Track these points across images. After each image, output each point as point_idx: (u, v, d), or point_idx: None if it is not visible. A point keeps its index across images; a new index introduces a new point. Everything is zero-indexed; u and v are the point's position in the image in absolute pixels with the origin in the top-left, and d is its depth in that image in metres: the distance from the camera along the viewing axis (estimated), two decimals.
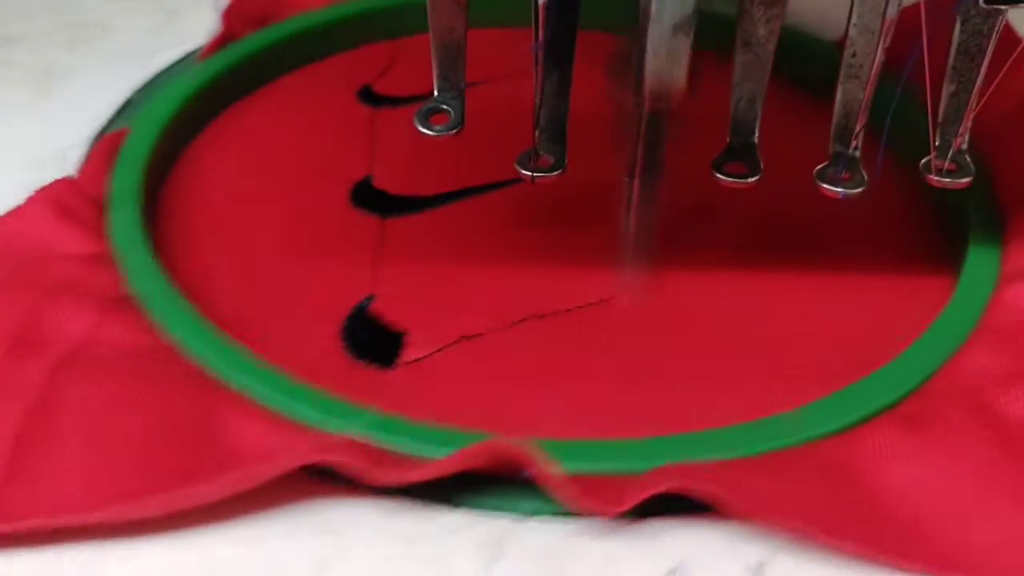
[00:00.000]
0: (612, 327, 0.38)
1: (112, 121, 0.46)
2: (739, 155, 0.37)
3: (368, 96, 0.49)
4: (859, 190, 0.36)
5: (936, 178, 0.36)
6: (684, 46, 0.33)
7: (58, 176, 0.42)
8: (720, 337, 0.37)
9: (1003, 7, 0.32)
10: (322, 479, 0.31)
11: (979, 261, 0.38)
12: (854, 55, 0.35)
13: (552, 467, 0.29)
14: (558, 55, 0.35)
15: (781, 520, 0.29)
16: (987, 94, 0.35)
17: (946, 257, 0.40)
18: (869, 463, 0.31)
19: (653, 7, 0.32)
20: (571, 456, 0.31)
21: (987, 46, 0.34)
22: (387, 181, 0.44)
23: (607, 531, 0.30)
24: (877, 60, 0.34)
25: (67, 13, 0.53)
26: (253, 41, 0.49)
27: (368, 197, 0.44)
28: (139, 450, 0.30)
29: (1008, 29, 0.42)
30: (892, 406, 0.33)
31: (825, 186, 0.36)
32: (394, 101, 0.49)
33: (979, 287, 0.37)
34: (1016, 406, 0.33)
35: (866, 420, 0.32)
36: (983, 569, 0.29)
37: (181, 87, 0.46)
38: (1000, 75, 0.39)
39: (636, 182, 0.37)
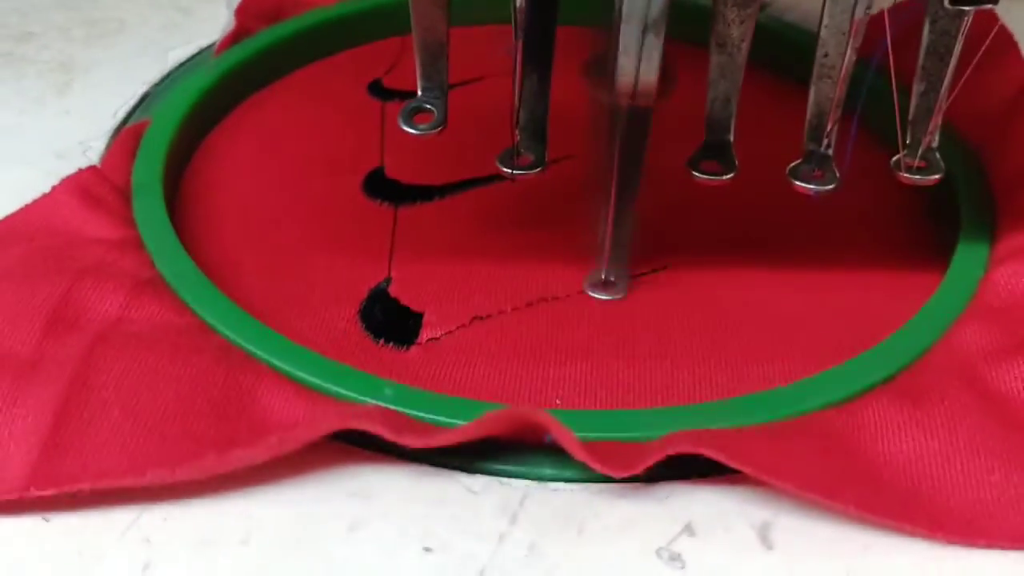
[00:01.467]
0: (620, 309, 0.39)
1: (131, 114, 0.48)
2: (715, 153, 0.38)
3: (378, 90, 0.51)
4: (831, 187, 0.36)
5: (907, 175, 0.37)
6: (655, 45, 0.34)
7: (82, 166, 0.43)
8: (724, 318, 0.39)
9: (967, 8, 0.33)
10: (351, 446, 0.32)
11: (970, 245, 0.40)
12: (826, 55, 0.35)
13: (571, 432, 0.31)
14: (537, 55, 0.36)
15: (785, 482, 0.31)
16: (956, 91, 0.36)
17: (938, 243, 0.42)
18: (868, 432, 0.33)
19: (624, 7, 0.33)
20: (584, 425, 0.33)
21: (955, 46, 0.35)
22: (398, 171, 0.46)
23: (621, 494, 0.32)
24: (847, 60, 0.35)
25: (83, 10, 0.55)
26: (266, 36, 0.51)
27: (381, 186, 0.46)
28: (177, 418, 0.32)
29: (1002, 27, 0.45)
30: (889, 379, 0.35)
31: (798, 183, 0.37)
32: (403, 95, 0.51)
33: (970, 269, 0.39)
34: (1006, 379, 0.34)
35: (865, 392, 0.34)
36: (974, 529, 0.31)
37: (199, 81, 0.48)
38: (963, 70, 0.41)
39: (614, 179, 0.38)
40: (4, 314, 0.35)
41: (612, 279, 0.40)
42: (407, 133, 0.37)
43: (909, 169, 0.37)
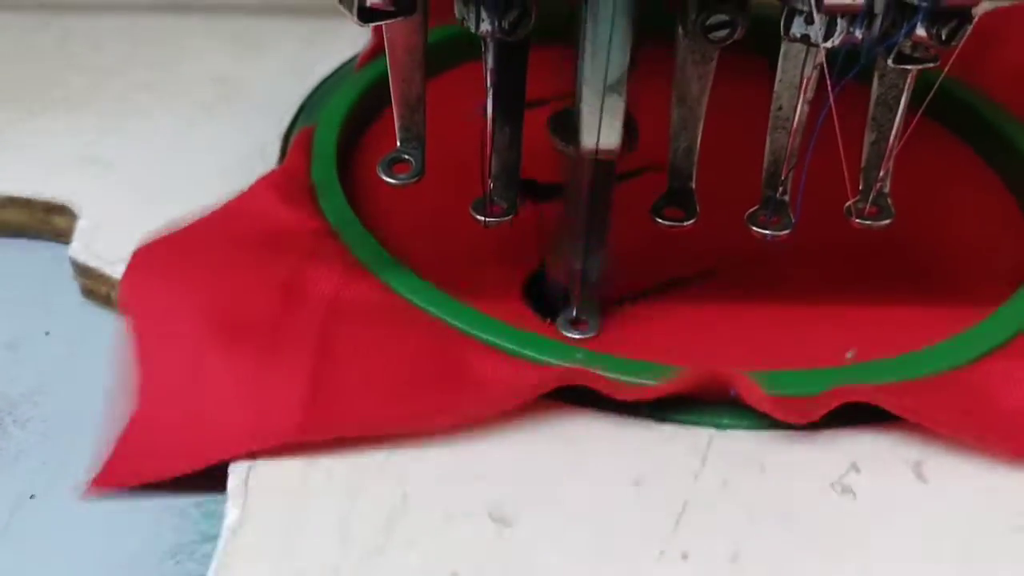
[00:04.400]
0: (781, 280, 0.45)
1: (295, 121, 0.53)
2: (678, 200, 0.40)
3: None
4: (786, 232, 0.39)
5: (858, 221, 0.39)
6: (617, 106, 0.36)
7: (261, 167, 0.48)
8: (853, 296, 0.44)
9: (910, 67, 0.35)
10: (555, 401, 0.38)
11: None
12: (780, 108, 0.37)
13: (758, 386, 0.37)
14: (508, 111, 0.38)
15: (936, 424, 0.36)
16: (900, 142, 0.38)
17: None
18: (996, 386, 0.38)
19: (585, 71, 0.35)
20: (764, 383, 0.38)
21: (902, 98, 0.37)
22: (534, 172, 0.51)
23: (792, 439, 0.37)
24: (799, 112, 0.37)
25: (223, 34, 0.60)
26: None
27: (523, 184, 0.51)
28: (412, 378, 0.38)
29: None
30: (1009, 342, 0.40)
31: (755, 228, 0.39)
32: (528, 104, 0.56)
33: None
34: None
35: (990, 353, 0.40)
36: None
37: (351, 89, 0.53)
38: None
39: (583, 227, 0.40)
40: (244, 289, 0.40)
41: (584, 317, 0.42)
42: (389, 184, 0.40)
43: (860, 215, 0.39)
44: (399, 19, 0.36)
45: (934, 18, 0.34)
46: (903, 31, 0.34)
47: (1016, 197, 0.50)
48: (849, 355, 0.41)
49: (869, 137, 0.39)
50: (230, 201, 0.45)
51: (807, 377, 0.39)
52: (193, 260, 0.41)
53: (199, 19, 0.61)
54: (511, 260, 0.46)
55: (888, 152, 0.38)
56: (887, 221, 0.39)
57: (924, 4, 0.33)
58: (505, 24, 0.35)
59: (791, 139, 0.38)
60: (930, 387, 0.38)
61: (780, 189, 0.39)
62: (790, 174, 0.39)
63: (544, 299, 0.45)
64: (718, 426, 0.38)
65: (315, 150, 0.49)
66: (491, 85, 0.37)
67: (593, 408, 0.38)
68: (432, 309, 0.41)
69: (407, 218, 0.48)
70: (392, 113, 0.54)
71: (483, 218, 0.40)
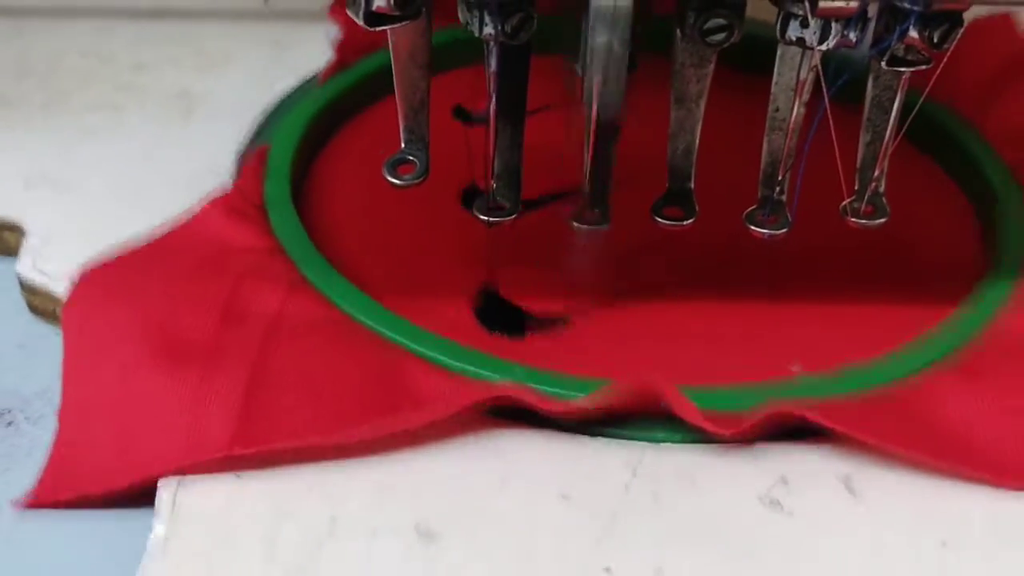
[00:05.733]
0: (704, 298, 0.45)
1: (253, 139, 0.54)
2: (677, 200, 0.41)
3: (461, 113, 0.57)
4: (783, 231, 0.40)
5: (854, 220, 0.40)
6: (616, 101, 0.37)
7: (217, 186, 0.49)
8: (796, 310, 0.45)
9: (903, 69, 0.36)
10: (490, 416, 0.38)
11: (1013, 242, 0.46)
12: (777, 110, 0.38)
13: (688, 399, 0.37)
14: (510, 112, 0.39)
15: (866, 437, 0.36)
16: (896, 139, 0.39)
17: (980, 246, 0.48)
18: (933, 402, 0.39)
19: (588, 75, 0.36)
20: (691, 399, 0.38)
21: (897, 100, 0.38)
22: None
23: (724, 453, 0.38)
24: (796, 114, 0.38)
25: (190, 44, 0.61)
26: (365, 66, 0.57)
27: (474, 199, 0.51)
28: (347, 392, 0.38)
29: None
30: (949, 355, 0.40)
31: (753, 227, 0.40)
32: (481, 119, 0.56)
33: (1015, 258, 0.45)
34: None
35: (928, 368, 0.40)
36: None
37: (309, 107, 0.54)
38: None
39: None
40: (183, 308, 0.40)
41: (596, 210, 0.42)
42: (392, 184, 0.41)
43: (856, 214, 0.40)
44: (405, 23, 0.37)
45: (926, 21, 0.35)
46: (896, 34, 0.35)
47: (975, 207, 0.50)
48: (795, 368, 0.41)
49: (864, 138, 0.40)
50: (178, 221, 0.46)
51: (740, 392, 0.39)
52: (136, 282, 0.42)
53: (164, 31, 0.61)
54: (463, 275, 0.46)
55: (883, 152, 0.39)
56: (882, 220, 0.40)
57: (916, 8, 0.34)
58: (508, 28, 0.36)
59: (788, 140, 0.38)
60: (866, 401, 0.38)
61: (777, 189, 0.39)
62: (787, 174, 0.39)
63: (495, 313, 0.45)
64: (652, 440, 0.38)
65: (269, 168, 0.50)
66: (494, 88, 0.38)
67: (527, 423, 0.38)
68: (373, 324, 0.41)
69: (362, 235, 0.49)
70: (347, 131, 0.55)
71: (486, 217, 0.40)
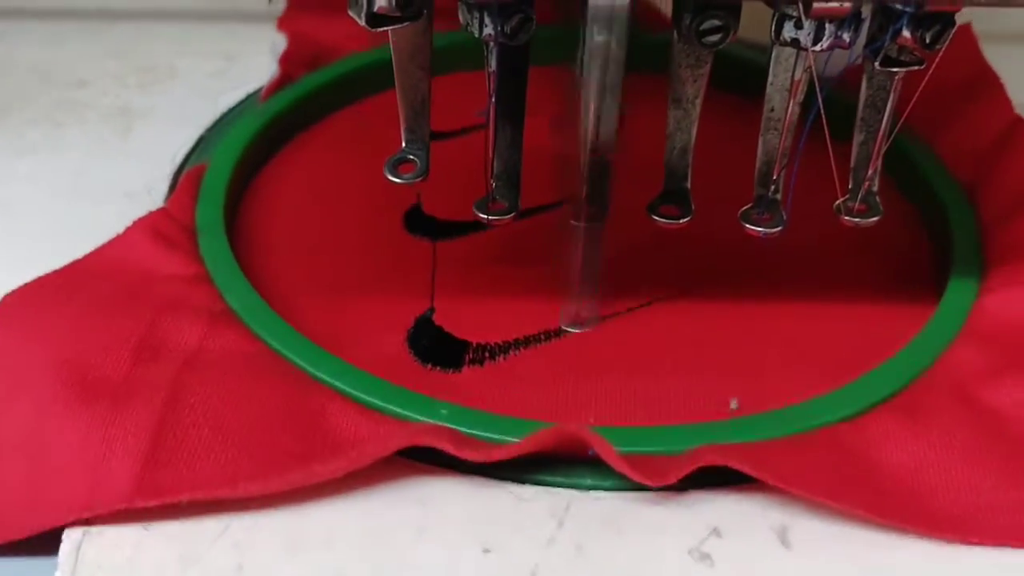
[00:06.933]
0: (640, 333, 0.44)
1: (189, 157, 0.52)
2: (673, 199, 0.41)
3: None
4: (778, 229, 0.40)
5: (848, 218, 0.40)
6: (613, 106, 0.37)
7: (148, 207, 0.47)
8: (738, 343, 0.43)
9: (896, 69, 0.37)
10: (413, 460, 0.37)
11: (963, 275, 0.44)
12: (772, 110, 0.38)
13: (612, 446, 0.35)
14: (509, 113, 0.39)
15: (801, 489, 0.35)
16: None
17: (932, 273, 0.46)
18: (873, 444, 0.37)
19: (585, 74, 0.36)
20: (621, 440, 0.37)
21: (890, 100, 0.38)
22: (435, 207, 0.50)
23: (655, 501, 0.36)
24: (790, 114, 0.38)
25: (136, 59, 0.59)
26: (309, 82, 0.55)
27: (420, 222, 0.50)
28: (261, 435, 0.36)
29: (987, 68, 0.49)
30: (891, 397, 0.39)
31: (748, 226, 0.40)
32: (434, 135, 0.55)
33: (963, 297, 0.43)
34: (997, 396, 0.39)
35: (870, 409, 0.38)
36: (968, 529, 0.35)
37: (249, 125, 0.52)
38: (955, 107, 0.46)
39: (581, 224, 0.41)
40: (96, 344, 0.39)
41: (584, 313, 0.43)
42: (393, 183, 0.41)
43: (850, 212, 0.40)
44: (406, 24, 0.37)
45: (918, 22, 0.35)
46: (888, 35, 0.35)
47: (927, 232, 0.49)
48: (733, 405, 0.40)
49: (858, 137, 0.40)
50: (102, 246, 0.44)
51: (671, 434, 0.37)
52: (51, 312, 0.40)
53: (107, 47, 0.60)
54: (401, 304, 0.45)
55: (876, 151, 0.39)
56: (876, 218, 0.40)
57: (908, 9, 0.35)
58: (507, 29, 0.36)
59: (782, 139, 0.38)
60: (800, 445, 0.37)
61: (772, 188, 0.39)
62: (782, 173, 0.39)
63: (431, 345, 0.43)
64: (579, 487, 0.37)
65: (203, 190, 0.48)
66: (494, 88, 0.38)
67: (451, 469, 0.37)
68: (295, 359, 0.40)
69: (298, 261, 0.47)
70: (289, 149, 0.54)
71: (486, 216, 0.40)
